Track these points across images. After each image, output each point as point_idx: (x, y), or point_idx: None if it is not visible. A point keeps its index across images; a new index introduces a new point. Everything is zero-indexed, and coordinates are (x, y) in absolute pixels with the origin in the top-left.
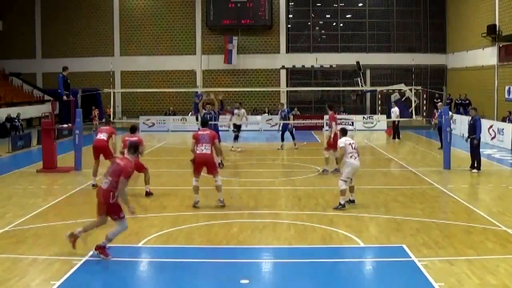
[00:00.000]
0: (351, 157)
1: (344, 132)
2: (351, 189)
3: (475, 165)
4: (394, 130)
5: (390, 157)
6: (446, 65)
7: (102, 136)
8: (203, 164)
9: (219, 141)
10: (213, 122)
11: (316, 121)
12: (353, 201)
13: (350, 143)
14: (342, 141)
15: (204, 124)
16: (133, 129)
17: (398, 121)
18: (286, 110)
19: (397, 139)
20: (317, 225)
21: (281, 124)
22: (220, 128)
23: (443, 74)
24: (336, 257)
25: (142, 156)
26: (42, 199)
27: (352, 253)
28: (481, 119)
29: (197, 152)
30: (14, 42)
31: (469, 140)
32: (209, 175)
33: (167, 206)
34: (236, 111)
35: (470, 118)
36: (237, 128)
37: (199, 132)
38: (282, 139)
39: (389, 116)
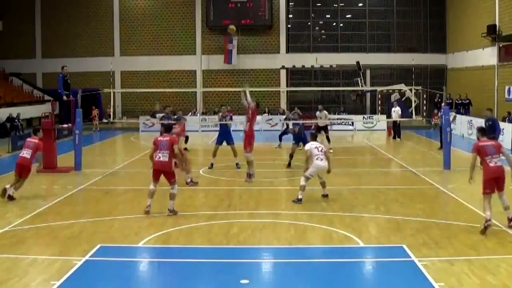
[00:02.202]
0: (317, 159)
1: (313, 137)
2: (323, 184)
3: None
4: (395, 130)
5: (390, 157)
6: (446, 65)
7: (25, 153)
8: (160, 172)
9: (250, 147)
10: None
11: (316, 121)
12: (326, 195)
13: (316, 147)
14: (308, 145)
15: (167, 130)
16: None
17: (400, 121)
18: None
19: (398, 139)
20: (317, 225)
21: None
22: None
23: (443, 74)
24: (336, 257)
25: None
26: (42, 199)
27: (352, 253)
28: (482, 120)
29: (155, 159)
30: (14, 42)
31: None
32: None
33: (167, 206)
34: (318, 113)
35: (486, 119)
36: (323, 129)
37: (159, 138)
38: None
39: (389, 116)
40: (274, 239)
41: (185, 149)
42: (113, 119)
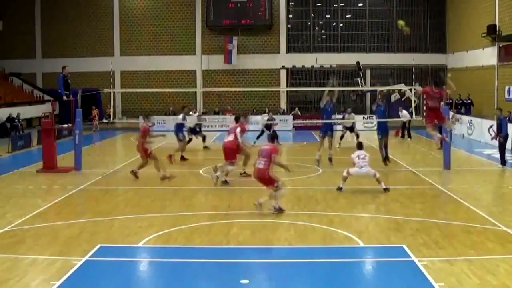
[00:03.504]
0: (357, 166)
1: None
2: (378, 180)
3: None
4: (403, 129)
5: (390, 157)
6: (446, 65)
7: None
8: (257, 179)
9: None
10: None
11: (316, 121)
12: (386, 189)
13: (357, 155)
14: (352, 155)
15: (273, 139)
16: (237, 118)
17: (409, 121)
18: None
19: (409, 139)
20: (317, 225)
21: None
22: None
23: (443, 74)
24: (336, 257)
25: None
26: (42, 199)
27: (352, 253)
28: (482, 119)
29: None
30: (14, 42)
31: (497, 138)
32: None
33: (167, 206)
34: (347, 115)
35: (496, 118)
36: (350, 129)
37: (262, 147)
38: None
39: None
40: (274, 239)
41: (205, 147)
42: (113, 119)
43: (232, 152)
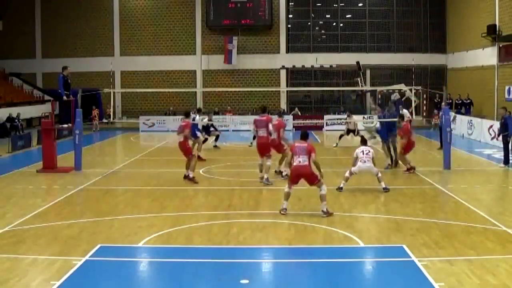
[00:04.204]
0: (361, 161)
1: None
2: (379, 180)
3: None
4: None
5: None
6: (446, 65)
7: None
8: (300, 176)
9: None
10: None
11: (316, 121)
12: (386, 189)
13: (362, 151)
14: (357, 149)
15: (303, 137)
16: (264, 110)
17: (410, 121)
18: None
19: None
20: (317, 225)
21: None
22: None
23: (443, 74)
24: (336, 257)
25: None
26: (42, 199)
27: (352, 253)
28: (482, 119)
29: (294, 164)
30: (14, 42)
31: (500, 137)
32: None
33: (167, 206)
34: (348, 119)
35: (500, 117)
36: (353, 132)
37: (296, 144)
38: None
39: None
40: (274, 239)
41: (215, 146)
42: (113, 119)
43: (267, 146)
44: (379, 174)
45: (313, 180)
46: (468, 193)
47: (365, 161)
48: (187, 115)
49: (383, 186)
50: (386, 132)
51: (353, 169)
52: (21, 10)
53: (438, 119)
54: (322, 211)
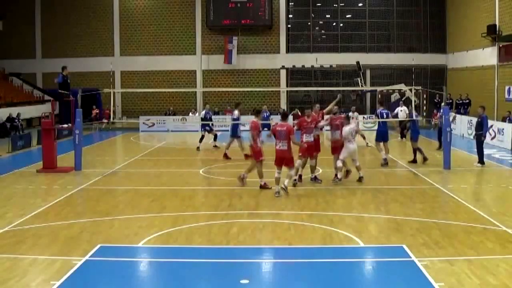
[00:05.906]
0: (348, 141)
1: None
2: (358, 168)
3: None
4: (402, 129)
5: (390, 157)
6: (446, 65)
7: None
8: (282, 159)
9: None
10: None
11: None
12: (361, 178)
13: (350, 128)
14: (345, 128)
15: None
16: (284, 116)
17: (408, 120)
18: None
19: (404, 139)
20: (317, 225)
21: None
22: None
23: (443, 74)
24: (336, 257)
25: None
26: (42, 199)
27: (352, 253)
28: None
29: (276, 148)
30: (14, 42)
31: (476, 136)
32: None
33: (167, 206)
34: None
35: (478, 116)
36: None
37: (277, 128)
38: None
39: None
40: (274, 239)
41: (215, 146)
42: (113, 119)
43: (301, 149)
44: (358, 163)
45: (288, 163)
46: (468, 193)
47: (350, 141)
48: (257, 113)
49: (360, 175)
50: (386, 133)
51: (341, 156)
52: (22, 10)
53: (438, 119)
54: (282, 185)
